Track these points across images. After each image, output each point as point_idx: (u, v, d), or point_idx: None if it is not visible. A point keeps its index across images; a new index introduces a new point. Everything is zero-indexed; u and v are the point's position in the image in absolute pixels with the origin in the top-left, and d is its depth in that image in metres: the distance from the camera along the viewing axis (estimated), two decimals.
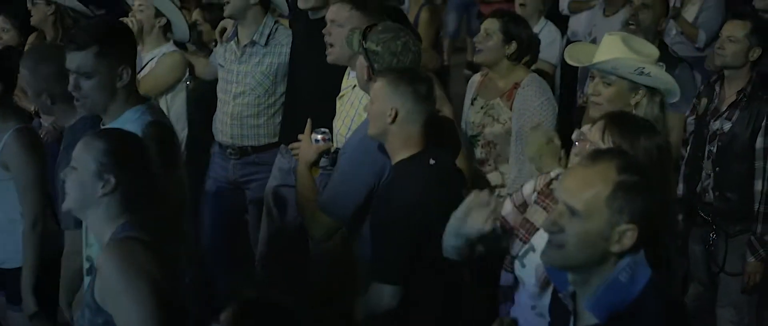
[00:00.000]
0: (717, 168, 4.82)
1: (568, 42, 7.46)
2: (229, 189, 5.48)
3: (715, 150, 4.82)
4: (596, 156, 2.53)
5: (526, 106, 4.77)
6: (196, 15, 6.14)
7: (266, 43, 5.22)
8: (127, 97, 3.54)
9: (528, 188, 3.42)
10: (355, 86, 4.37)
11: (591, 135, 3.05)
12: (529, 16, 6.26)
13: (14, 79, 4.29)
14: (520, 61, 4.97)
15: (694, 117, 5.02)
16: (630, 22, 5.42)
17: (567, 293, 2.62)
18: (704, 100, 4.96)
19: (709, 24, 6.93)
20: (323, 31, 4.50)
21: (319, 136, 4.05)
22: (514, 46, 4.90)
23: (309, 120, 4.20)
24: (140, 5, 5.50)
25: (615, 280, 2.45)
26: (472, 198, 3.06)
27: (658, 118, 3.78)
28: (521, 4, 6.55)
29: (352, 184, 3.81)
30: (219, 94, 5.40)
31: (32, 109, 4.97)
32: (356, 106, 4.38)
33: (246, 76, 5.25)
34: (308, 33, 5.00)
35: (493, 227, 3.06)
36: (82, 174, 2.97)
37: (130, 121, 3.48)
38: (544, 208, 3.26)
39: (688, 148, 5.03)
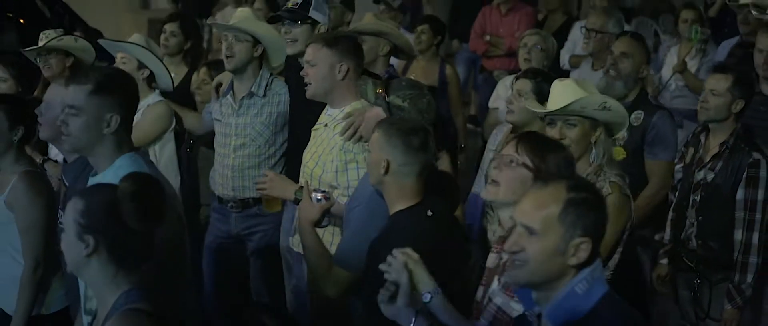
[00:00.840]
0: (700, 217, 4.90)
1: None
2: (231, 243, 5.48)
3: (698, 199, 4.90)
4: (547, 179, 2.76)
5: None
6: (203, 74, 6.18)
7: (264, 94, 5.28)
8: (118, 145, 3.53)
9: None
10: (326, 124, 4.51)
11: (506, 150, 3.38)
12: None
13: (35, 128, 4.33)
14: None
15: (682, 165, 5.11)
16: (610, 70, 5.40)
17: (533, 313, 2.80)
18: (691, 150, 5.05)
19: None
20: (301, 72, 4.65)
21: (320, 195, 4.03)
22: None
23: (306, 181, 4.25)
24: (123, 58, 5.57)
25: (572, 291, 2.66)
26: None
27: (610, 151, 4.06)
28: (526, 59, 6.53)
29: (368, 233, 3.79)
30: (217, 149, 5.43)
31: (39, 160, 4.98)
32: (325, 145, 4.50)
33: (245, 127, 5.29)
34: (301, 79, 5.04)
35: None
36: (68, 236, 2.93)
37: (121, 167, 3.46)
38: (498, 253, 3.40)
39: (676, 194, 5.12)
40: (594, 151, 4.01)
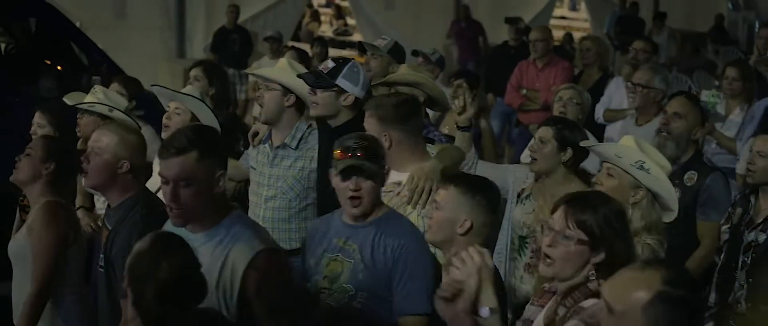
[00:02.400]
0: (750, 279, 4.77)
1: None
2: None
3: (749, 260, 4.78)
4: (647, 263, 2.58)
5: None
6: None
7: (297, 147, 5.14)
8: (222, 204, 3.42)
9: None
10: (389, 191, 4.37)
11: (555, 224, 3.05)
12: None
13: (68, 163, 4.42)
14: (576, 168, 4.82)
15: (728, 226, 4.99)
16: (662, 130, 5.35)
17: None
18: (739, 210, 4.95)
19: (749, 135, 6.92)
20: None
21: None
22: (569, 152, 4.74)
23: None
24: (177, 109, 5.48)
25: None
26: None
27: (656, 222, 3.90)
28: (561, 113, 6.50)
29: (430, 272, 3.77)
30: (250, 197, 5.34)
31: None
32: (401, 210, 4.31)
33: (278, 179, 5.16)
34: (330, 141, 4.96)
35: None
36: None
37: (232, 228, 3.39)
38: (540, 306, 3.26)
39: (722, 256, 5.00)
40: (631, 211, 3.87)
